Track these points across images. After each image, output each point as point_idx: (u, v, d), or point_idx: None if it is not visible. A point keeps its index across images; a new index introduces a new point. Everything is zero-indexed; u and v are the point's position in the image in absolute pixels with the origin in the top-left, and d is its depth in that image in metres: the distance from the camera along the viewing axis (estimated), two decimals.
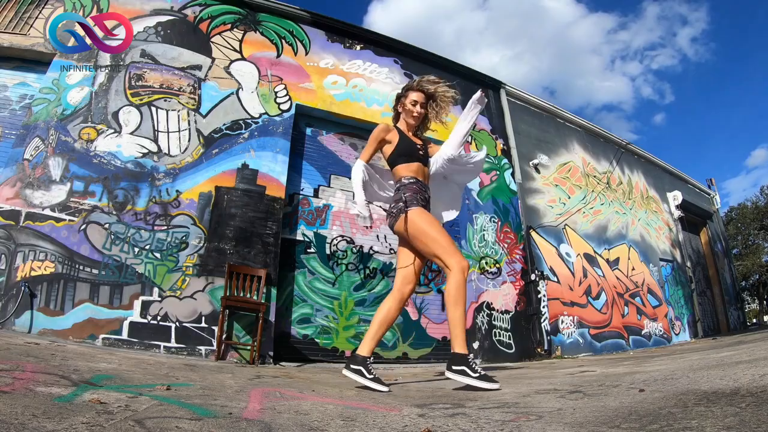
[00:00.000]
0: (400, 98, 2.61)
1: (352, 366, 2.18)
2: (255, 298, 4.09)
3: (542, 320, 5.82)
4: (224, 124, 4.73)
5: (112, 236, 3.93)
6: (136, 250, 3.96)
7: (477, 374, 1.98)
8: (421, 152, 2.48)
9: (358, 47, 6.01)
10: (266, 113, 4.99)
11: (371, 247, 5.23)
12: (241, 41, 5.20)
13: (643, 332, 7.49)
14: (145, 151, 4.33)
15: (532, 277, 6.00)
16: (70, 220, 3.85)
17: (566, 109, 8.26)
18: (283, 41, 5.47)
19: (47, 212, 3.83)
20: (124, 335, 3.67)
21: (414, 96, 2.53)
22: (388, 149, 2.48)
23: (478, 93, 2.50)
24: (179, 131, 4.53)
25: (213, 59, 4.96)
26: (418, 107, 2.52)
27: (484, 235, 5.91)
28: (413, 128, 2.59)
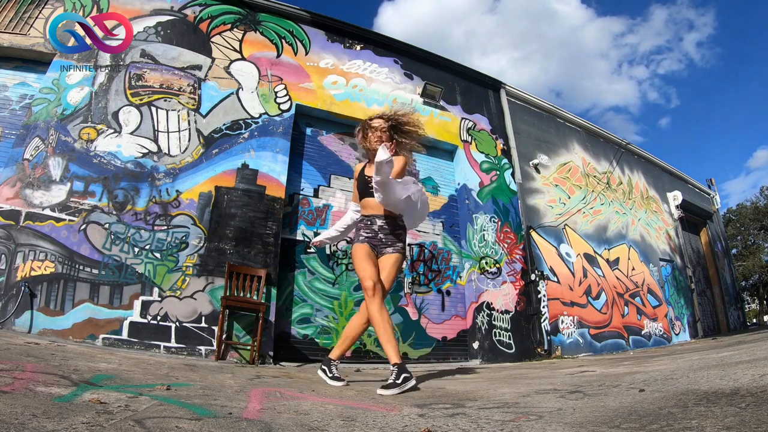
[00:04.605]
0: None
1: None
2: (255, 298, 4.09)
3: (542, 320, 5.82)
4: (224, 124, 4.73)
5: (112, 236, 3.93)
6: (136, 250, 3.96)
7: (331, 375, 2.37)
8: (370, 186, 2.48)
9: (358, 47, 6.01)
10: (266, 113, 4.99)
11: None
12: (241, 41, 5.20)
13: (643, 332, 7.48)
14: (145, 151, 4.33)
15: (532, 277, 6.00)
16: (70, 220, 3.85)
17: (569, 110, 8.27)
18: (283, 41, 5.47)
19: (47, 212, 3.83)
20: (124, 335, 3.67)
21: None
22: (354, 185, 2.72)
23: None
24: (179, 131, 4.53)
25: (213, 59, 4.96)
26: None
27: (484, 235, 5.91)
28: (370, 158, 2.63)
